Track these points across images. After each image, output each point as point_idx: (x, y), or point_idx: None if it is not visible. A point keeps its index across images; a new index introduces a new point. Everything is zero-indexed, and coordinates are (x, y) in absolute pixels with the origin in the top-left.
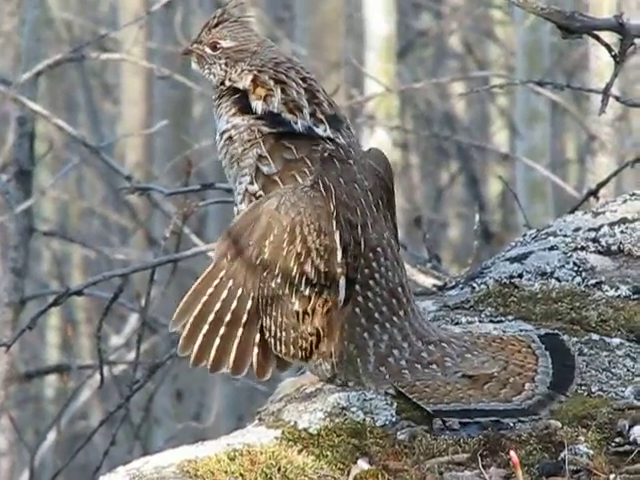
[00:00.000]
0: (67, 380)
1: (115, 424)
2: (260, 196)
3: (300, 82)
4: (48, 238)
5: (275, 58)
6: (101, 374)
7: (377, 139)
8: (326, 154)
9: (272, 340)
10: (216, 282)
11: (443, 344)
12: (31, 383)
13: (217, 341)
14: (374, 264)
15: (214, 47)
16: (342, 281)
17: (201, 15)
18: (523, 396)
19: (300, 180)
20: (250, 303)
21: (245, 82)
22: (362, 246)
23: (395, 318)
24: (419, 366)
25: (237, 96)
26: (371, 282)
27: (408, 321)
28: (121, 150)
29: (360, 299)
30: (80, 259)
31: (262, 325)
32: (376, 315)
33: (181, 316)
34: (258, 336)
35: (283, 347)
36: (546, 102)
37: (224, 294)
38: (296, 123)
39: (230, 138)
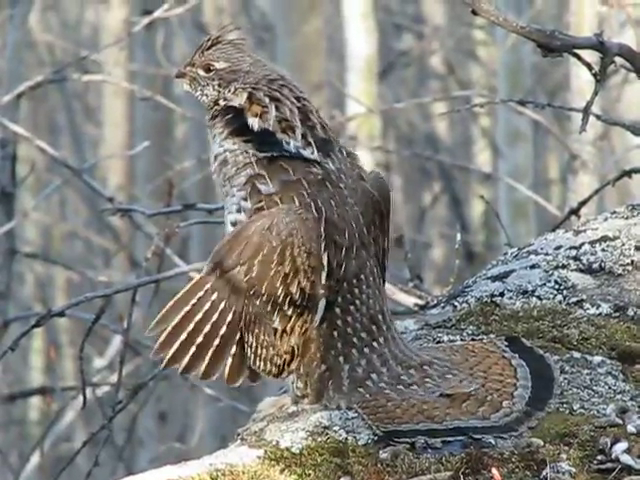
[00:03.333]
0: (50, 402)
1: (98, 445)
2: (256, 212)
3: (294, 101)
4: (31, 260)
5: (268, 75)
6: (84, 396)
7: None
8: (319, 176)
9: (252, 356)
10: (200, 294)
11: (424, 367)
12: (14, 405)
13: (192, 349)
14: (356, 290)
15: (207, 69)
16: (322, 303)
17: (182, 37)
18: (501, 414)
19: (297, 201)
20: (231, 317)
21: (241, 99)
22: (345, 270)
23: (375, 344)
24: (401, 387)
25: (230, 116)
26: (351, 307)
27: (388, 347)
28: (103, 172)
29: (339, 323)
30: (63, 281)
31: (243, 339)
32: (354, 340)
33: (160, 322)
34: (234, 348)
35: (261, 363)
36: (528, 122)
37: (206, 306)
38: (288, 144)
39: (225, 161)
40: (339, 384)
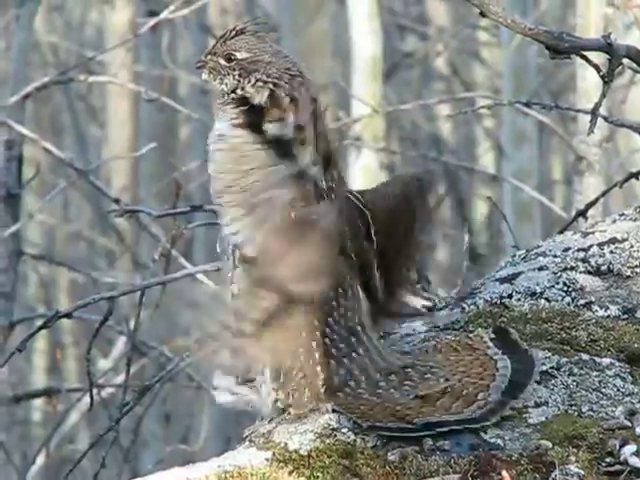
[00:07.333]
0: (56, 403)
1: (104, 447)
2: None
3: (310, 104)
4: (35, 262)
5: (289, 69)
6: (91, 397)
7: (364, 161)
8: (313, 192)
9: None
10: None
11: (407, 369)
12: (18, 407)
13: None
14: (334, 303)
15: (229, 59)
16: None
17: (187, 39)
18: (474, 407)
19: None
20: None
21: (261, 98)
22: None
23: (354, 354)
24: (379, 391)
25: (247, 107)
26: (330, 320)
27: (369, 357)
28: (107, 173)
29: (318, 334)
30: (67, 283)
31: None
32: (333, 351)
33: None
34: None
35: None
36: (533, 123)
37: None
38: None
39: (222, 149)
40: (316, 392)
